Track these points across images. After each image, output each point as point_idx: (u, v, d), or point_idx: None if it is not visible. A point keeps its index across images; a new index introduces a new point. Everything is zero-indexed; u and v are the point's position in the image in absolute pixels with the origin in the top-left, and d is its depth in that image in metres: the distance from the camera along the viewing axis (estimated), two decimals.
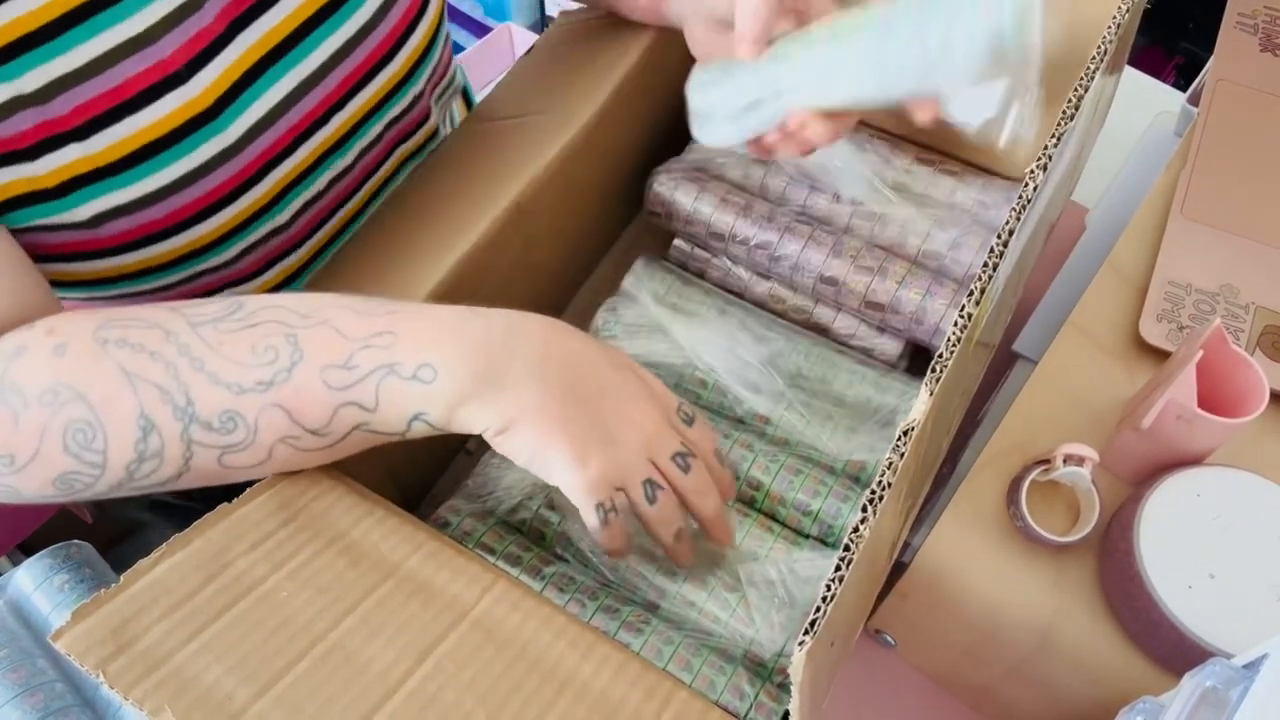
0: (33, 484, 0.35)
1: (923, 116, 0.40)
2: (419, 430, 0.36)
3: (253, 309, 0.36)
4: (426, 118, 0.57)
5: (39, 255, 0.42)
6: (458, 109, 0.69)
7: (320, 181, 0.50)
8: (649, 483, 0.37)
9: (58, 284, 0.45)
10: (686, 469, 0.38)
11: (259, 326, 0.35)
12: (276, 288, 0.53)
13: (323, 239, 0.54)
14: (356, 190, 0.54)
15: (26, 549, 0.94)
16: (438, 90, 0.57)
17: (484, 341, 0.36)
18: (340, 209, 0.54)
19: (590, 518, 0.37)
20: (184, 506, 0.63)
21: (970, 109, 0.39)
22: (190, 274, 0.47)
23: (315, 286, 0.47)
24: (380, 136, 0.53)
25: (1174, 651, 0.41)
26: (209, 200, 0.44)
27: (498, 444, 0.36)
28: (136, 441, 0.34)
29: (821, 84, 0.42)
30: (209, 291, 0.49)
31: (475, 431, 0.36)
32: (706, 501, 0.39)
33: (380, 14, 0.48)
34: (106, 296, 0.47)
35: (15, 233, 0.40)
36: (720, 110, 0.47)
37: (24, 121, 0.37)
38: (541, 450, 0.36)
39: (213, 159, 0.43)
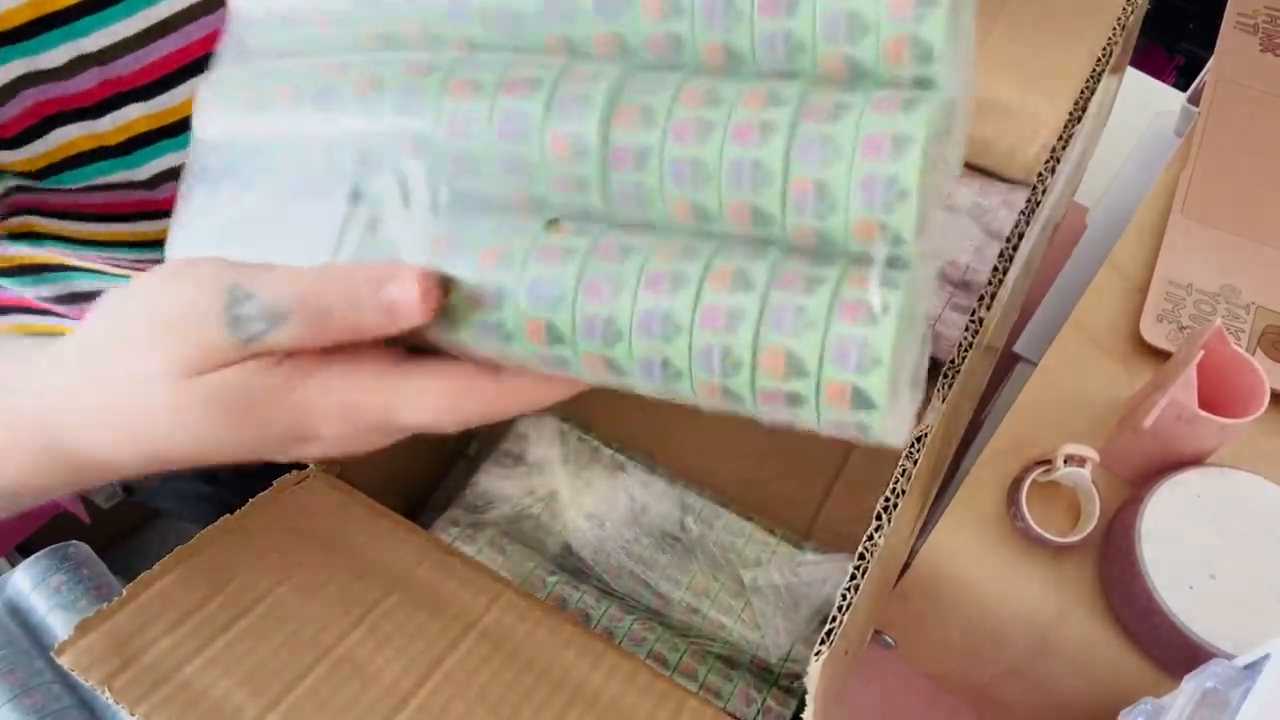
0: None
1: None
2: None
3: None
4: None
5: (99, 215, 0.41)
6: None
7: None
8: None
9: (116, 245, 0.44)
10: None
11: None
12: None
13: None
14: None
15: (24, 549, 0.94)
16: None
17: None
18: None
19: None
20: (207, 495, 0.63)
21: None
22: None
23: None
24: None
25: (1175, 652, 0.42)
26: None
27: None
28: None
29: None
30: None
31: None
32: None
33: None
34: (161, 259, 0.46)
35: (73, 191, 0.39)
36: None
37: (89, 79, 0.37)
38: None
39: None
